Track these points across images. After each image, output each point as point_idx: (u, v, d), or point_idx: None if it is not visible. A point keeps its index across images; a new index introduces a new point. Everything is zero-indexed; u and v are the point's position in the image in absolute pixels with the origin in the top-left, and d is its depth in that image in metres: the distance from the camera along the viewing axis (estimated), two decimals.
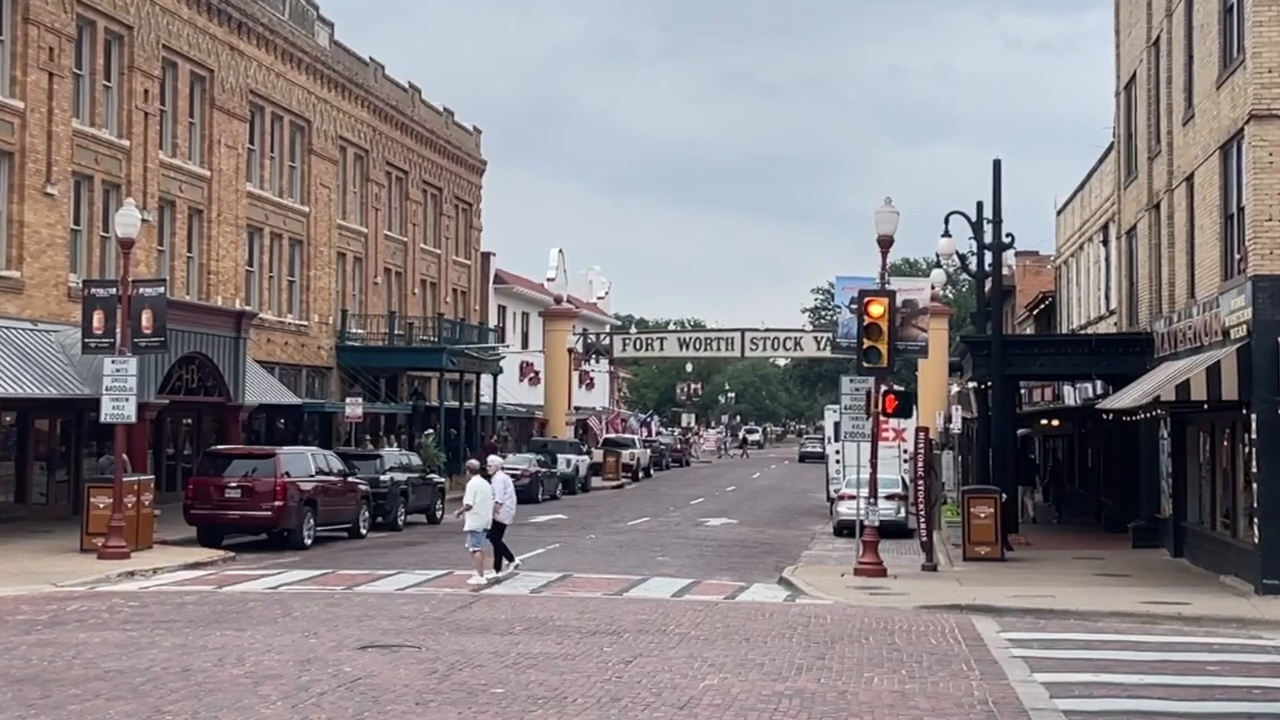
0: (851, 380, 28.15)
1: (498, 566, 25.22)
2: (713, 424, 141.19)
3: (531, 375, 72.37)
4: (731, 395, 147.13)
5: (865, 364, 26.63)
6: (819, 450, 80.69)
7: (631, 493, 59.33)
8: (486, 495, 24.76)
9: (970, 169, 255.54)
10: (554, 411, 69.23)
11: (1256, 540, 23.67)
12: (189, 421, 41.73)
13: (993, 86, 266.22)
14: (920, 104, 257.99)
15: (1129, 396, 28.88)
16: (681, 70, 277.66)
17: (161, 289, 29.93)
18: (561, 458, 56.18)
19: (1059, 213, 51.55)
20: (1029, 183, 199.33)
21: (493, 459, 26.84)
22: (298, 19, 47.97)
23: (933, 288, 41.51)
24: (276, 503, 30.31)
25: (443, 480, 42.28)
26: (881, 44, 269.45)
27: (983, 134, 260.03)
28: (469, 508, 24.49)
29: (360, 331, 52.67)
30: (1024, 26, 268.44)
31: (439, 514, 39.57)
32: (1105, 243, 40.48)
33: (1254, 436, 23.65)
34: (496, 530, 25.29)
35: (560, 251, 78.62)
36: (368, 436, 49.46)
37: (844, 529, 36.08)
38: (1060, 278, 51.47)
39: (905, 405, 28.50)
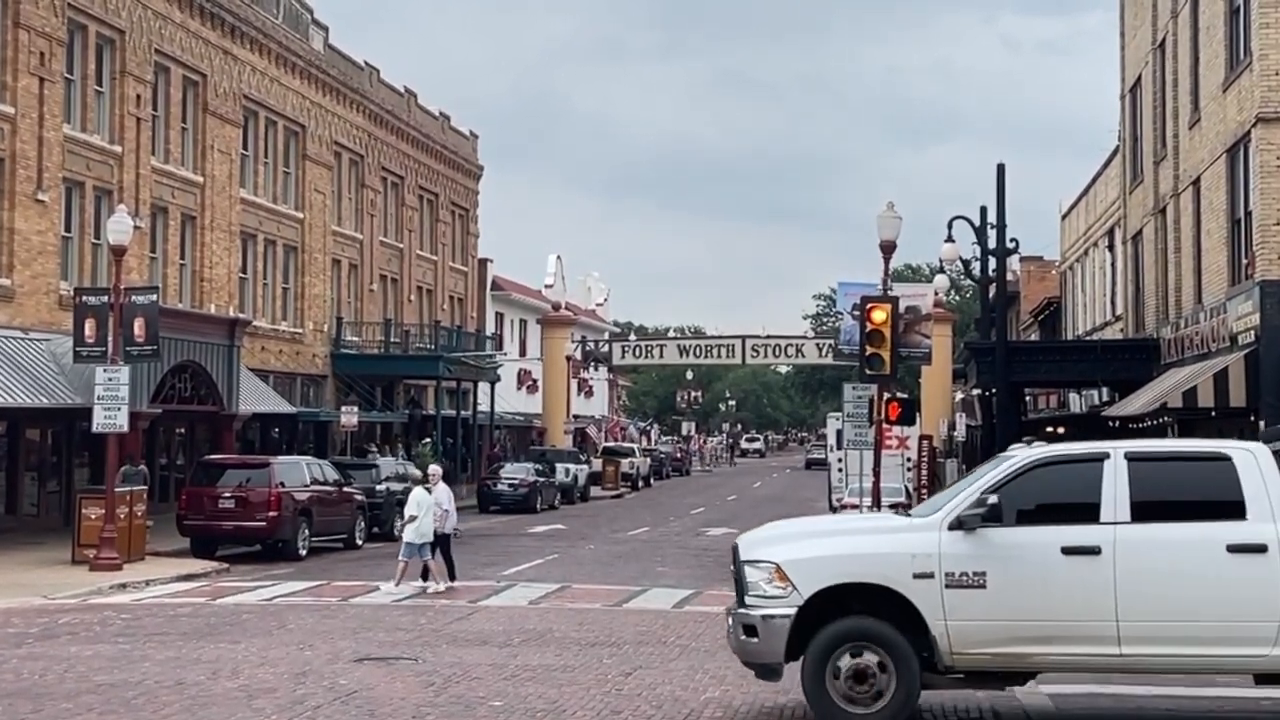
0: (854, 387, 27.95)
1: (424, 577, 24.27)
2: (714, 432, 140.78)
3: (530, 383, 72.05)
4: (732, 403, 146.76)
5: (868, 371, 26.35)
6: (825, 457, 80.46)
7: (631, 502, 59.04)
8: (429, 506, 24.26)
9: (972, 171, 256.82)
10: (552, 420, 68.91)
11: None
12: (182, 431, 41.41)
13: (993, 88, 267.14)
14: (920, 105, 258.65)
15: (1135, 403, 28.63)
16: (676, 70, 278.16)
17: (154, 296, 29.78)
18: (560, 467, 55.80)
19: (1063, 217, 51.37)
20: (1032, 185, 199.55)
21: (433, 468, 26.15)
22: (292, 23, 47.69)
23: (936, 293, 41.26)
24: (271, 513, 29.95)
25: None
26: (880, 44, 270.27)
27: (984, 135, 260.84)
28: (413, 518, 24.05)
29: (356, 339, 52.39)
30: (1023, 27, 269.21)
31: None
32: (1111, 247, 40.24)
33: None
34: (443, 541, 24.69)
35: (558, 258, 78.37)
36: (372, 446, 49.10)
37: None
38: (1065, 283, 51.26)
39: (908, 412, 28.24)
